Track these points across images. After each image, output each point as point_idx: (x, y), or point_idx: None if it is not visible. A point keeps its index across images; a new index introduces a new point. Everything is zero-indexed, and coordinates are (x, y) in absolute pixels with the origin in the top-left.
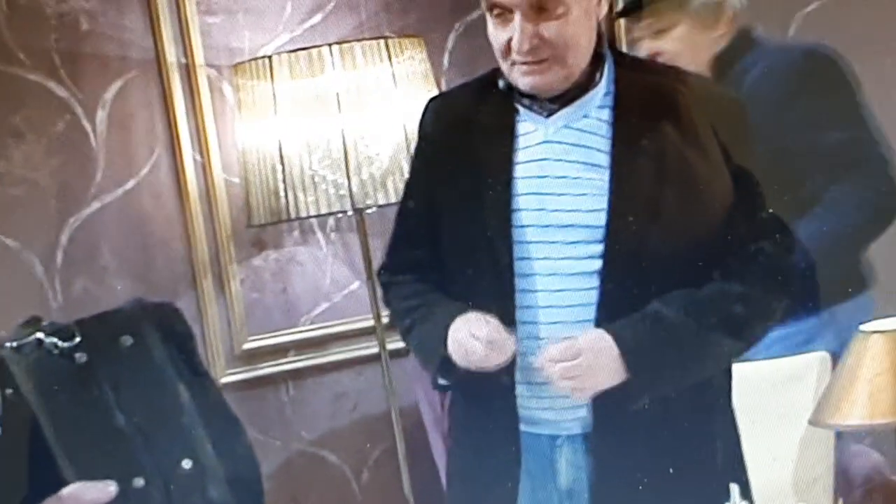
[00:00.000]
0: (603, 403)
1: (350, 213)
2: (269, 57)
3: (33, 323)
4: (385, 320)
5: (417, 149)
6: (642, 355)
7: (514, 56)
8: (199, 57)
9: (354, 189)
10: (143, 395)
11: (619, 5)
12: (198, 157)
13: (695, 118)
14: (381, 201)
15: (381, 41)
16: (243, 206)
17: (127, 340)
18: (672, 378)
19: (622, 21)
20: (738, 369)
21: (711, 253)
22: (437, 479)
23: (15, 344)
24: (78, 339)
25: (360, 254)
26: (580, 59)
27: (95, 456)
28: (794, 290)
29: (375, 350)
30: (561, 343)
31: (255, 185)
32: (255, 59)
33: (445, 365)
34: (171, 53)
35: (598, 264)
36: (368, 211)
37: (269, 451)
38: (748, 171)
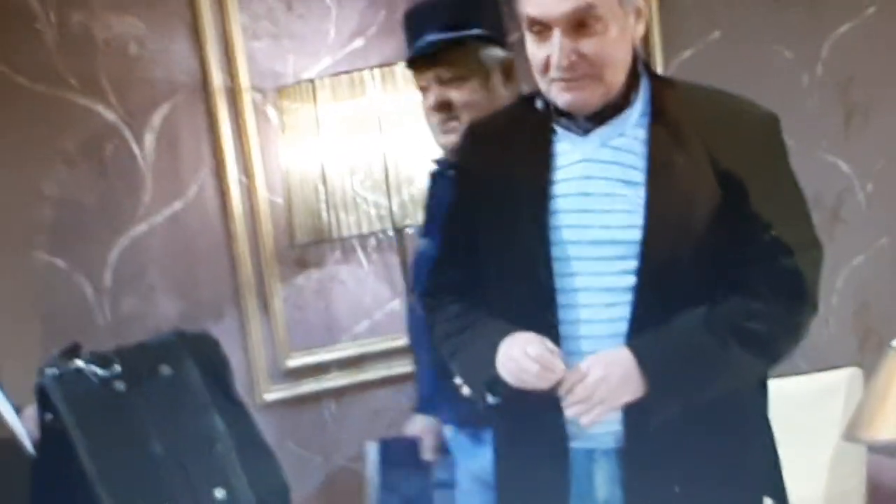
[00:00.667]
0: (634, 418)
1: (390, 232)
2: (313, 80)
3: (74, 351)
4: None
5: (455, 176)
6: (661, 370)
7: (553, 73)
8: (244, 80)
9: (395, 209)
10: (179, 424)
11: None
12: (243, 179)
13: (728, 137)
14: (421, 221)
15: None
16: (286, 226)
17: (165, 370)
18: (692, 392)
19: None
20: (770, 384)
21: (739, 269)
22: None
23: (56, 372)
24: (117, 368)
25: (400, 272)
26: (617, 76)
27: (131, 483)
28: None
29: (413, 368)
30: (571, 372)
31: (298, 206)
32: (299, 82)
33: (494, 384)
34: (218, 77)
35: (632, 280)
36: (408, 230)
37: (310, 466)
38: (780, 189)
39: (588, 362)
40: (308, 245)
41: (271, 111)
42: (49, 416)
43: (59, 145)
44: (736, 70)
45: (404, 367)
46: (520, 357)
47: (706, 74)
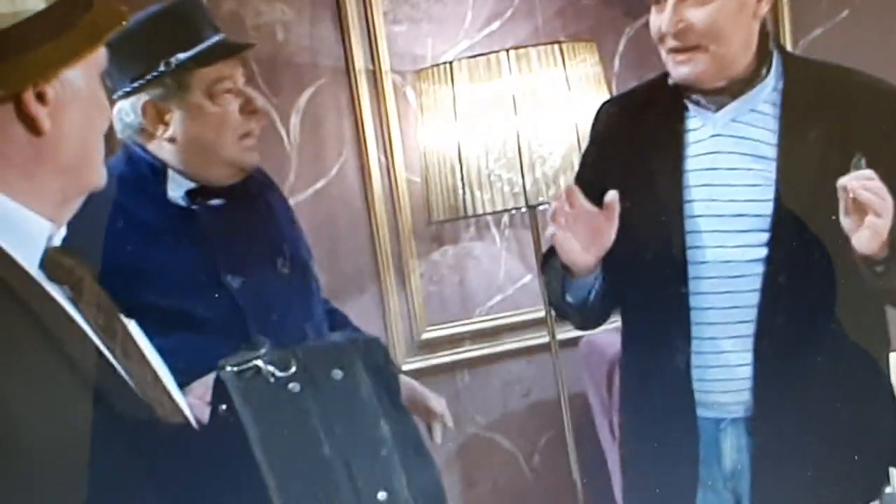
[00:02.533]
0: (764, 387)
1: (524, 209)
2: (450, 63)
3: (254, 348)
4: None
5: (587, 151)
6: None
7: (666, 42)
8: (385, 64)
9: (528, 187)
10: (348, 427)
11: None
12: (382, 158)
13: (860, 113)
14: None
15: (556, 46)
16: (424, 203)
17: (338, 374)
18: (841, 346)
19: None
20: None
21: None
22: (604, 463)
23: (236, 368)
24: (293, 370)
25: (533, 248)
26: (729, 51)
27: (300, 480)
28: None
29: (546, 339)
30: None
31: (435, 184)
32: (437, 65)
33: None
34: (360, 61)
35: (764, 252)
36: (541, 207)
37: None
38: None
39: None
40: (444, 222)
41: (410, 93)
42: (223, 408)
43: None
44: (864, 49)
45: (536, 338)
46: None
47: (834, 54)
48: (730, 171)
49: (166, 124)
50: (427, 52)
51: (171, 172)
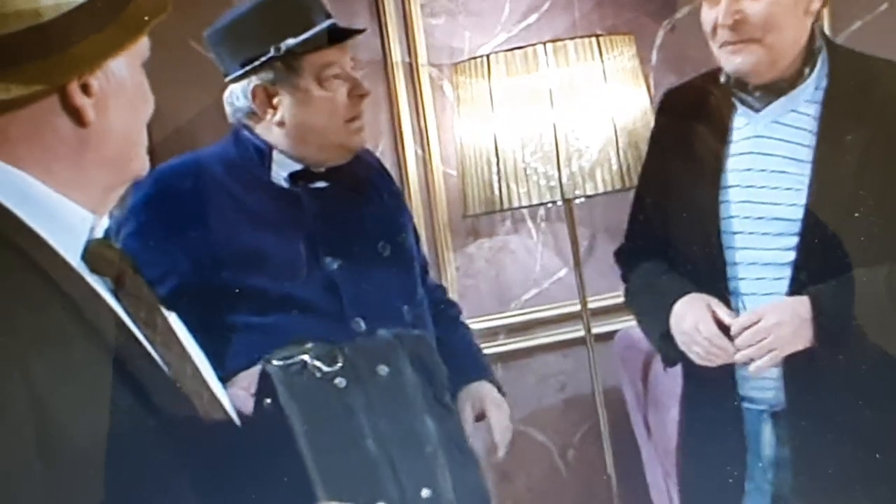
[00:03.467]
0: (796, 378)
1: (560, 203)
2: (488, 56)
3: (300, 343)
4: (591, 305)
5: (651, 138)
6: (836, 321)
7: (720, 34)
8: (422, 56)
9: (564, 180)
10: (393, 423)
11: None
12: (419, 151)
13: None
14: (590, 192)
15: (593, 39)
16: (460, 196)
17: (383, 370)
18: (857, 348)
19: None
20: None
21: None
22: (638, 457)
23: (282, 363)
24: (339, 364)
25: (569, 242)
26: (783, 45)
27: (345, 475)
28: None
29: (581, 333)
30: (744, 316)
31: (471, 177)
32: (474, 58)
33: (668, 346)
34: (397, 53)
35: (792, 256)
36: (577, 201)
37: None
38: None
39: (763, 308)
40: (480, 215)
41: (447, 86)
42: (268, 401)
43: None
44: None
45: (572, 332)
46: (691, 332)
47: (874, 47)
48: (767, 174)
49: (275, 108)
50: (464, 45)
51: (276, 155)
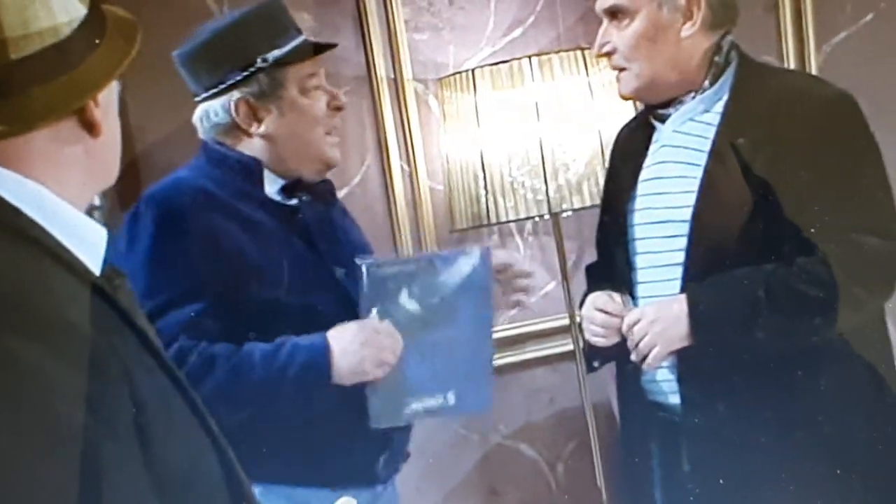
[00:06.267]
0: (689, 385)
1: (547, 216)
2: (473, 70)
3: None
4: (579, 319)
5: (607, 170)
6: (709, 316)
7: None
8: (407, 72)
9: (551, 194)
10: None
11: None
12: (405, 166)
13: (791, 117)
14: (577, 205)
15: (579, 52)
16: (447, 211)
17: None
18: (736, 343)
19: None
20: None
21: (800, 246)
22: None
23: None
24: None
25: (557, 256)
26: (655, 70)
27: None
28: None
29: (570, 347)
30: (628, 313)
31: (458, 192)
32: (459, 72)
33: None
34: (382, 69)
35: (681, 257)
36: (564, 215)
37: (469, 444)
38: (845, 170)
39: (646, 307)
40: (467, 230)
41: (432, 101)
42: None
43: None
44: (889, 53)
45: (560, 346)
46: (588, 314)
47: (859, 57)
48: (666, 180)
49: (259, 121)
50: (449, 59)
51: (265, 170)
